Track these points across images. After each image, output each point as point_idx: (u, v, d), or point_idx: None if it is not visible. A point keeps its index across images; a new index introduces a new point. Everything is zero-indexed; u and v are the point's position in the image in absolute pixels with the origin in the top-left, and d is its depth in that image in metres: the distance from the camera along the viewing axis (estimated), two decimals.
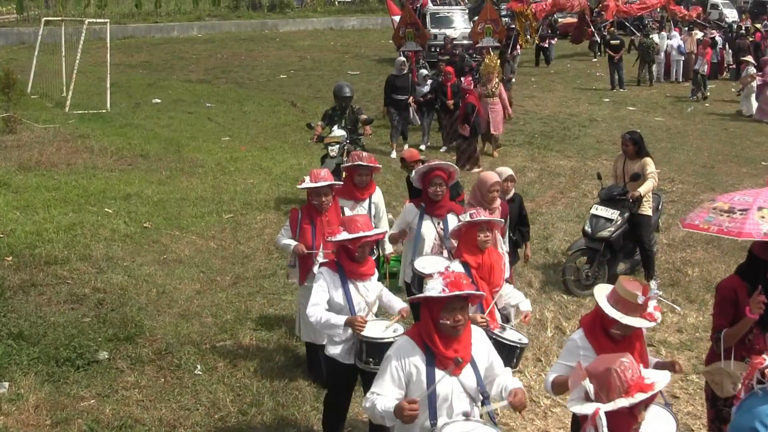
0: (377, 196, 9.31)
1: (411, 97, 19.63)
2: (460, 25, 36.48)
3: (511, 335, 6.90)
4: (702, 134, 22.24)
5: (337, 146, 13.90)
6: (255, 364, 8.87)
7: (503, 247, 8.69)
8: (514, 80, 25.18)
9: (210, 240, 12.81)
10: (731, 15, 51.42)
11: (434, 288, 5.09)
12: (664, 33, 34.41)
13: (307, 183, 8.04)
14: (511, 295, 7.51)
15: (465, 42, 30.52)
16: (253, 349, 9.20)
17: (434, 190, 8.32)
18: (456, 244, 7.76)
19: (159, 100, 25.99)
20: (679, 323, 10.11)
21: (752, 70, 25.21)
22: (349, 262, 6.82)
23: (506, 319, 7.50)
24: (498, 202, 8.86)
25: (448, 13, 38.89)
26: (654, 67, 32.32)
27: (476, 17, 35.39)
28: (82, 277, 10.92)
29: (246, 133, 21.24)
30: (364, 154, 9.19)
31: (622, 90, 29.91)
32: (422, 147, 19.24)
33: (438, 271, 5.21)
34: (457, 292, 5.05)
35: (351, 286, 6.82)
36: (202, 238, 12.86)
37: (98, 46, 28.55)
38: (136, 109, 24.37)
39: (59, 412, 7.73)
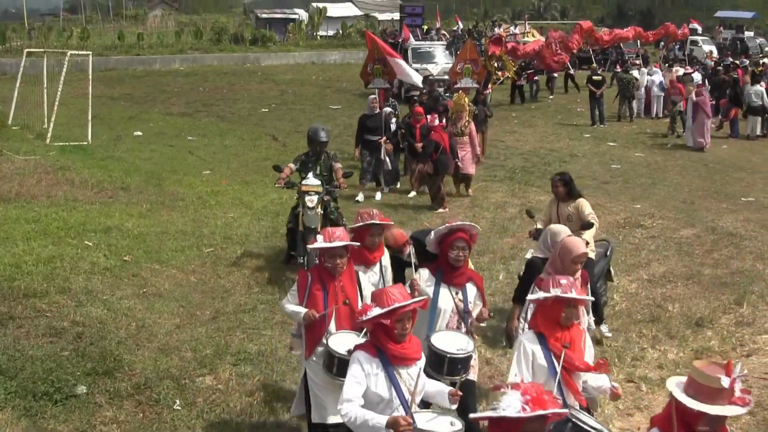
0: (386, 258, 8.55)
1: (384, 138, 18.52)
2: (441, 60, 36.68)
3: (594, 424, 5.89)
4: (682, 170, 22.37)
5: (317, 197, 12.51)
6: (235, 400, 8.81)
7: (586, 323, 7.83)
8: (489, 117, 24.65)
9: (190, 274, 12.76)
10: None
11: (511, 406, 4.31)
12: (644, 69, 34.66)
13: (320, 243, 7.20)
14: (595, 379, 6.49)
15: (445, 77, 30.32)
16: (233, 384, 9.14)
17: (456, 255, 7.33)
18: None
19: (140, 133, 25.97)
20: (660, 359, 10.11)
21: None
22: (392, 345, 5.80)
23: (588, 411, 6.56)
24: (579, 272, 7.82)
25: (430, 48, 39.20)
26: (634, 103, 32.54)
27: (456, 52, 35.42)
28: (61, 310, 10.84)
29: (227, 167, 21.23)
30: (374, 211, 8.24)
31: (602, 126, 30.09)
32: (385, 190, 19.01)
33: (511, 383, 4.45)
34: (540, 412, 4.31)
35: (395, 374, 5.82)
36: (182, 271, 12.81)
37: (80, 78, 28.55)
38: (118, 141, 24.34)
39: None
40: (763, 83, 29.37)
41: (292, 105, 34.33)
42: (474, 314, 7.49)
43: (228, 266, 13.19)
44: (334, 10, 74.85)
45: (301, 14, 73.16)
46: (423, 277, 7.55)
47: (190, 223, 15.40)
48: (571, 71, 39.44)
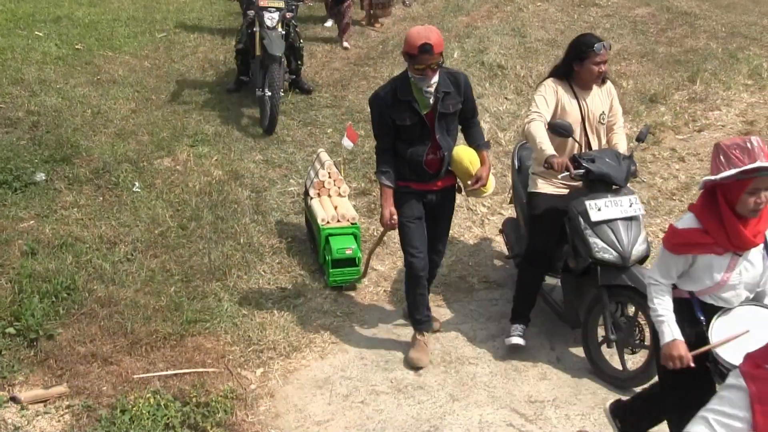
0: None
1: None
2: None
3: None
4: None
5: (278, 14, 10.35)
6: (193, 180, 8.94)
7: None
8: None
9: (144, 59, 12.61)
10: None
11: None
12: None
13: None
14: None
15: None
16: (191, 165, 9.24)
17: None
18: None
19: None
20: None
21: None
22: None
23: None
24: None
25: None
26: None
27: None
28: (15, 100, 10.72)
29: None
30: (754, 140, 4.13)
31: None
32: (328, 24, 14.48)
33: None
34: None
35: None
36: (135, 57, 12.65)
37: None
38: None
39: None
40: None
41: None
42: None
43: (181, 50, 13.03)
44: None
45: None
46: None
47: (141, 9, 15.07)
48: None
